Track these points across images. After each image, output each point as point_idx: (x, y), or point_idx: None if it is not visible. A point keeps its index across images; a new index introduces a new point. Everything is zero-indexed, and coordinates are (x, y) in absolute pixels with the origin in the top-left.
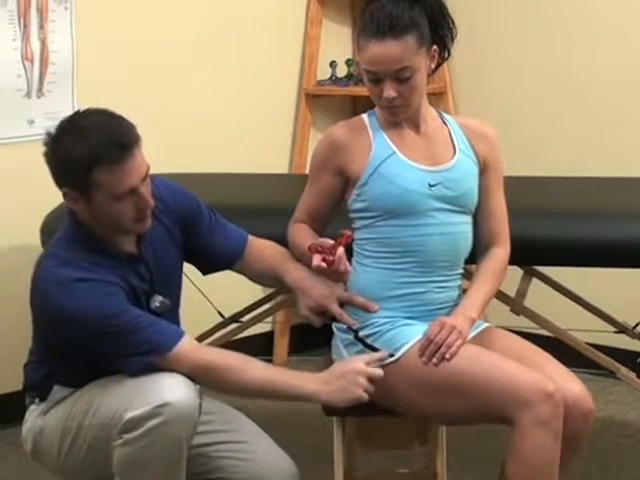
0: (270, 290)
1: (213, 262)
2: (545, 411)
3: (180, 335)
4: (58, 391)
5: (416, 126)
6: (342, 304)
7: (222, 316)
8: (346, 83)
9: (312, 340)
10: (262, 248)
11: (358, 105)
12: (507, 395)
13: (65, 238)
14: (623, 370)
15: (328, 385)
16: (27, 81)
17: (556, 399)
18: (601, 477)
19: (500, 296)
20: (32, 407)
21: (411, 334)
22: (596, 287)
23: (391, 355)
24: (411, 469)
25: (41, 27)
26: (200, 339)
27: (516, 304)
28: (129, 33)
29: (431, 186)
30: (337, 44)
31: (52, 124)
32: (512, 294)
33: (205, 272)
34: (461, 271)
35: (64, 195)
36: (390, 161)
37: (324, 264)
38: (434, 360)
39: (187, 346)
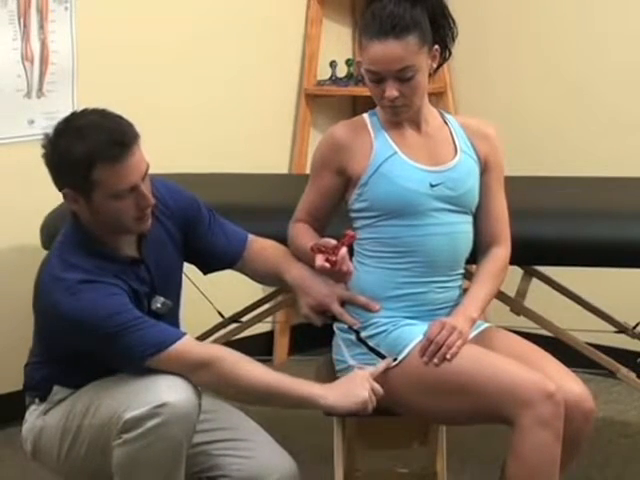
0: (270, 290)
1: (214, 262)
2: (546, 411)
3: (181, 334)
4: (58, 391)
5: (417, 126)
6: (343, 303)
7: (222, 316)
8: (346, 83)
9: (312, 340)
10: (262, 247)
11: (358, 105)
12: (508, 395)
13: (67, 241)
14: (623, 370)
15: (334, 389)
16: (27, 81)
17: (557, 399)
18: (601, 477)
19: (500, 296)
20: (32, 407)
21: (412, 335)
22: (596, 287)
23: (394, 359)
24: (411, 469)
25: (41, 27)
26: (200, 339)
27: (516, 304)
28: (129, 33)
29: (432, 186)
30: (337, 44)
31: (52, 124)
32: (512, 294)
33: (206, 272)
34: (462, 271)
35: (64, 196)
36: (391, 161)
37: (327, 264)
38: (435, 360)
39: (188, 343)
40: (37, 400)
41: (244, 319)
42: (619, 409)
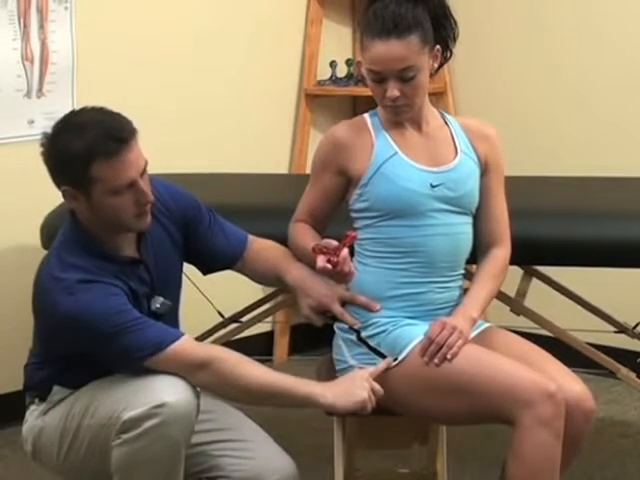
0: (270, 290)
1: (213, 263)
2: (546, 411)
3: (180, 334)
4: (58, 392)
5: (418, 126)
6: (344, 304)
7: (222, 316)
8: (346, 83)
9: (312, 340)
10: (262, 248)
11: (358, 105)
12: (508, 395)
13: (66, 241)
14: (623, 370)
15: (333, 388)
16: (27, 81)
17: (557, 399)
18: (601, 477)
19: (500, 296)
20: (32, 407)
21: (412, 335)
22: (596, 287)
23: (394, 359)
24: (411, 469)
25: (41, 27)
26: (200, 339)
27: (516, 304)
28: (129, 33)
29: (433, 187)
30: (337, 44)
31: (52, 124)
32: (512, 294)
33: (205, 272)
34: (462, 271)
35: (64, 194)
36: (392, 161)
37: (329, 265)
38: (435, 360)
39: (187, 343)
40: (37, 400)
41: (244, 319)
42: (619, 409)
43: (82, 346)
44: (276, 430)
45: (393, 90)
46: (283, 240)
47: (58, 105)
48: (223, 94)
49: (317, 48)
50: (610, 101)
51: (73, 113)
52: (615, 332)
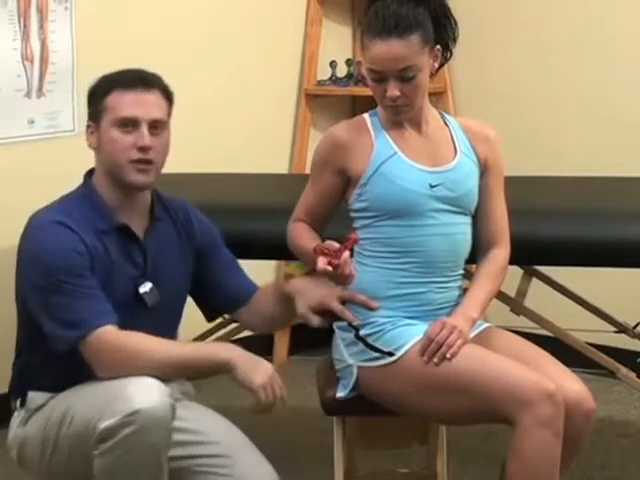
0: None
1: (218, 300)
2: (546, 411)
3: (108, 321)
4: (34, 398)
5: (418, 126)
6: (343, 302)
7: (222, 316)
8: (346, 83)
9: (312, 340)
10: (262, 291)
11: (358, 105)
12: (508, 395)
13: (71, 194)
14: (623, 370)
15: (244, 360)
16: (27, 81)
17: (557, 399)
18: (601, 477)
19: (500, 296)
20: (15, 414)
21: (412, 334)
22: (596, 287)
23: (391, 354)
24: (411, 469)
25: (41, 27)
26: (200, 339)
27: (516, 304)
28: (129, 33)
29: (432, 187)
30: (337, 44)
31: (52, 124)
32: (512, 294)
33: (210, 314)
34: (461, 271)
35: (86, 131)
36: (392, 161)
37: (329, 267)
38: (435, 360)
39: (107, 331)
40: (18, 405)
41: None
42: (619, 409)
43: (24, 287)
44: (276, 430)
45: (393, 90)
46: (283, 240)
47: (58, 105)
48: (223, 94)
49: (317, 48)
50: (610, 101)
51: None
52: (615, 332)
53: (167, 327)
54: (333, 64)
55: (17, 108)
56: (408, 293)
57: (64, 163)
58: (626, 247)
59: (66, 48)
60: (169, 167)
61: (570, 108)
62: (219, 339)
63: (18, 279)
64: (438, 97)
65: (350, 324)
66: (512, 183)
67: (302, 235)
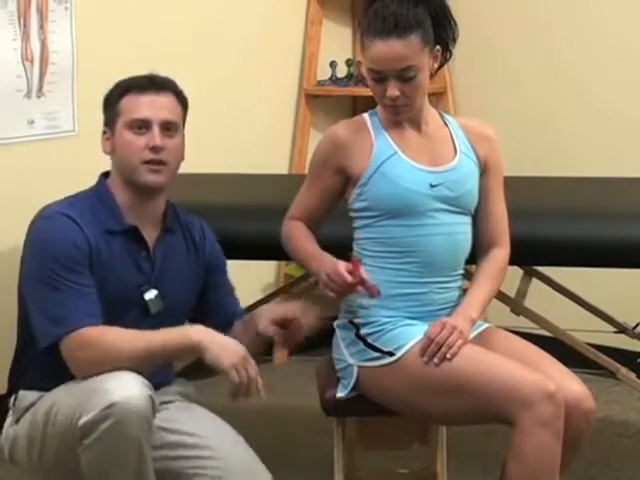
0: (270, 290)
1: (204, 314)
2: (546, 411)
3: (91, 323)
4: (24, 397)
5: (418, 126)
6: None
7: None
8: (346, 83)
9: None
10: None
11: (358, 105)
12: (508, 395)
13: (83, 192)
14: (623, 370)
15: (215, 341)
16: (27, 81)
17: (557, 399)
18: (601, 477)
19: (500, 296)
20: (9, 412)
21: (412, 334)
22: (596, 287)
23: (391, 354)
24: (411, 469)
25: (41, 27)
26: None
27: (516, 304)
28: (129, 33)
29: (432, 186)
30: (337, 44)
31: (52, 124)
32: (512, 294)
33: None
34: (461, 271)
35: (103, 137)
36: (392, 161)
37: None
38: (435, 360)
39: (83, 331)
40: (11, 405)
41: None
42: (619, 409)
43: (22, 277)
44: (276, 430)
45: (393, 89)
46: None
47: (58, 105)
48: (223, 94)
49: (317, 48)
50: (610, 101)
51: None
52: (615, 332)
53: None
54: (333, 64)
55: (17, 108)
56: (408, 293)
57: (64, 163)
58: (626, 247)
59: (66, 48)
60: None
61: (570, 108)
62: None
63: (20, 271)
64: (438, 97)
65: (351, 322)
66: (512, 183)
67: (299, 238)
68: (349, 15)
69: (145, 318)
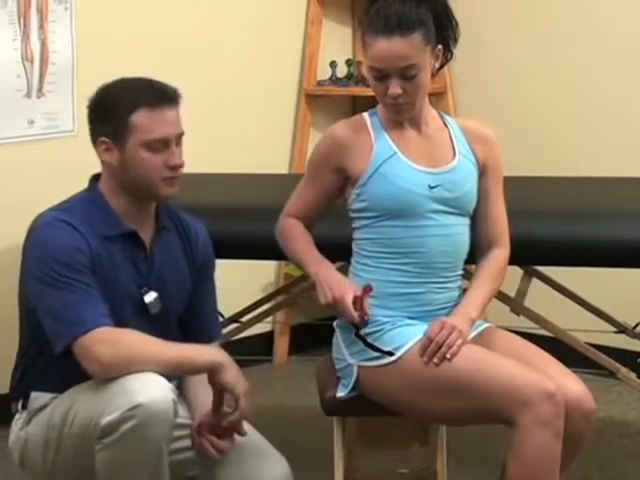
0: (270, 290)
1: (188, 325)
2: (546, 411)
3: (106, 322)
4: (36, 398)
5: (417, 127)
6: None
7: (222, 316)
8: (346, 83)
9: (312, 340)
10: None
11: (358, 105)
12: (508, 395)
13: (77, 196)
14: (623, 370)
15: (231, 362)
16: (27, 81)
17: (557, 399)
18: (601, 477)
19: (500, 296)
20: (17, 416)
21: (412, 334)
22: (596, 287)
23: (391, 354)
24: (411, 469)
25: (41, 27)
26: None
27: (516, 304)
28: (129, 33)
29: (431, 188)
30: (337, 44)
31: (52, 124)
32: (512, 294)
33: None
34: (461, 272)
35: (99, 146)
36: (391, 162)
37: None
38: (435, 360)
39: (105, 330)
40: (20, 407)
41: (244, 319)
42: (619, 409)
43: (27, 283)
44: (276, 430)
45: (395, 88)
46: None
47: (58, 105)
48: (223, 94)
49: (317, 48)
50: (610, 101)
51: (124, 77)
52: (615, 332)
53: (165, 335)
54: (333, 64)
55: (17, 108)
56: (408, 293)
57: (63, 163)
58: (626, 247)
59: (66, 48)
60: None
61: (570, 108)
62: None
63: (22, 277)
64: (438, 97)
65: (351, 323)
66: (512, 183)
67: (296, 237)
68: (349, 15)
69: (142, 318)
